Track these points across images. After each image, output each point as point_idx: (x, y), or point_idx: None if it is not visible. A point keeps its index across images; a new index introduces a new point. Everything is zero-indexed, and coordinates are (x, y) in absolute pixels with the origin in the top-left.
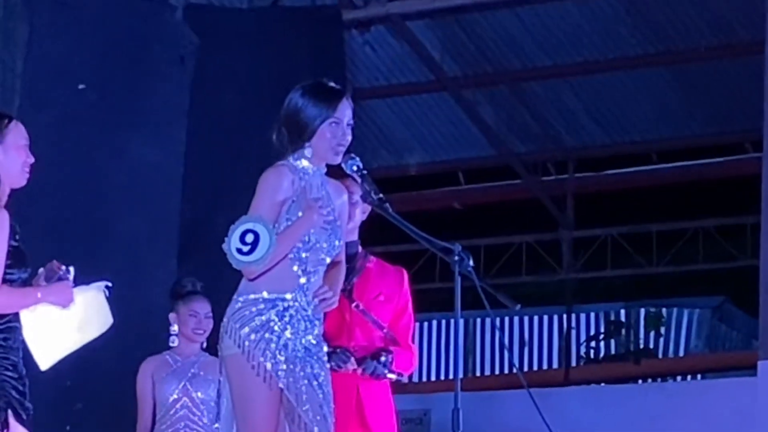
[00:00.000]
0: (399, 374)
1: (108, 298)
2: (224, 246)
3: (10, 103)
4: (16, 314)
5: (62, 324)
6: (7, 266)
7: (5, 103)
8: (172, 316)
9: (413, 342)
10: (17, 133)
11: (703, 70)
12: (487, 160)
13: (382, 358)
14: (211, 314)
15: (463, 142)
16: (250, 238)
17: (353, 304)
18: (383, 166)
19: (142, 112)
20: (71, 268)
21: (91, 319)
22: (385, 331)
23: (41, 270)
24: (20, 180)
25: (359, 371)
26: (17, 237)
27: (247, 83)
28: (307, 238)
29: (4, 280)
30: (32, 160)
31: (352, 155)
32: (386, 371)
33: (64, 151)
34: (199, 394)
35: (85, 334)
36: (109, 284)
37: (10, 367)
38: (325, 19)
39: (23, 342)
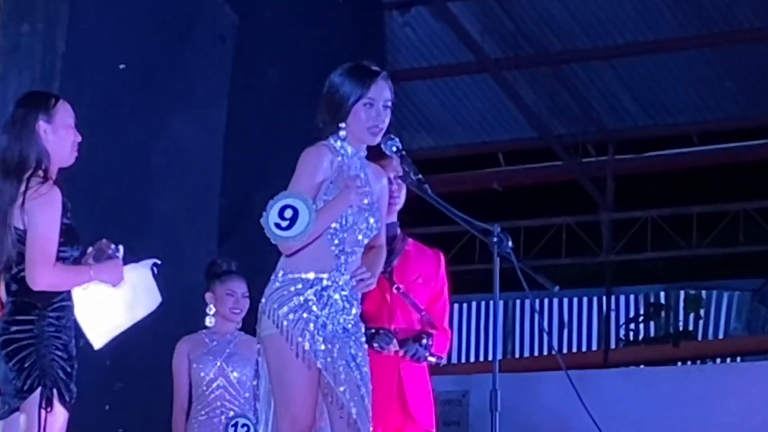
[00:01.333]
0: (438, 357)
1: (155, 277)
2: (262, 220)
3: (51, 83)
4: (69, 293)
5: (113, 302)
6: (59, 244)
7: (46, 84)
8: (208, 295)
9: (449, 325)
10: (65, 113)
11: (746, 52)
12: (527, 141)
13: (424, 341)
14: (247, 293)
15: (503, 123)
16: (288, 213)
17: (394, 287)
18: (423, 147)
19: (183, 92)
20: (120, 247)
21: (141, 297)
22: (423, 313)
23: (90, 249)
24: (69, 159)
25: (401, 353)
26: (69, 215)
27: (286, 63)
28: (344, 220)
29: (57, 258)
30: (80, 138)
31: (392, 136)
32: (427, 354)
33: (104, 131)
34: (235, 373)
35: (136, 312)
36: (158, 262)
37: (61, 347)
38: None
39: (76, 322)
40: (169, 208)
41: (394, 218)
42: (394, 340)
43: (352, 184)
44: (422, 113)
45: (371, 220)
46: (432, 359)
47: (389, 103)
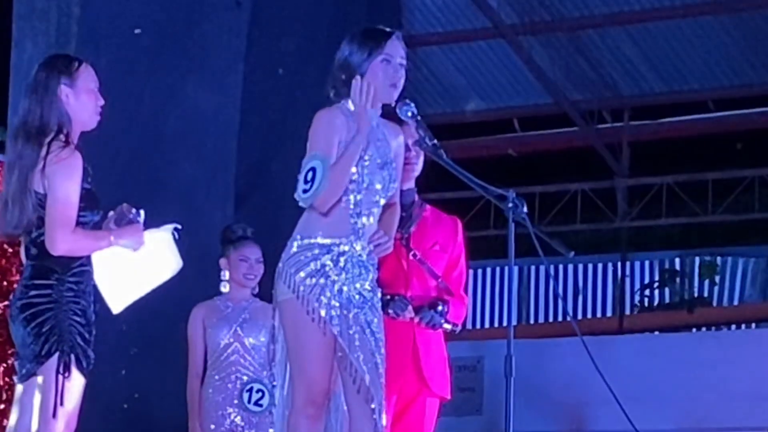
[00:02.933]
0: (454, 325)
1: (176, 241)
2: (296, 194)
3: (67, 47)
4: (89, 257)
5: (133, 267)
6: (79, 209)
7: (61, 48)
8: (222, 261)
9: (465, 292)
10: (87, 76)
11: (762, 18)
12: (542, 107)
13: (439, 308)
14: (261, 259)
15: (519, 89)
16: (310, 176)
17: (411, 253)
18: (438, 113)
19: (199, 58)
20: (141, 211)
21: (161, 262)
22: (439, 280)
23: (111, 213)
24: (91, 122)
25: (416, 320)
26: (89, 179)
27: (302, 28)
28: (361, 179)
29: (77, 223)
30: (102, 102)
31: (407, 101)
32: (442, 321)
33: (120, 95)
34: (250, 339)
35: (156, 276)
36: (179, 227)
37: (79, 312)
38: None
39: (95, 287)
40: (185, 173)
41: (411, 184)
42: (409, 307)
43: (364, 125)
44: (438, 79)
45: (388, 180)
46: (447, 326)
47: (404, 62)
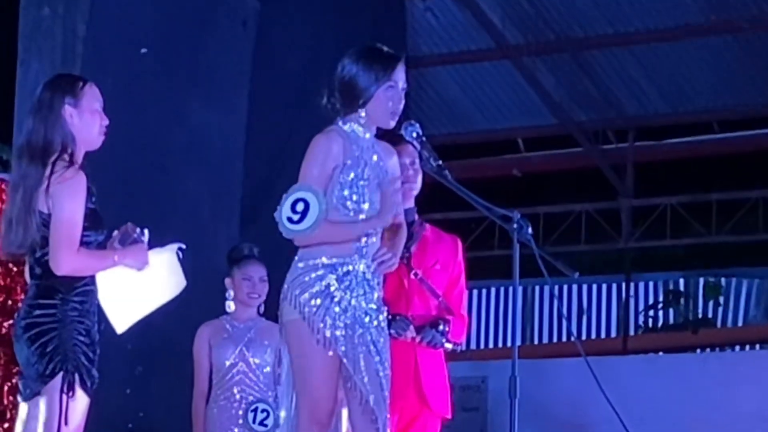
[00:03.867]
0: (455, 344)
1: (180, 261)
2: (276, 214)
3: (72, 66)
4: (93, 277)
5: (137, 286)
6: (84, 228)
7: (66, 68)
8: (227, 281)
9: (466, 311)
10: (92, 96)
11: (767, 39)
12: (547, 128)
13: (440, 327)
14: (266, 278)
15: (523, 109)
16: (300, 206)
17: (412, 272)
18: (443, 133)
19: (205, 77)
20: (146, 231)
21: (166, 281)
22: (440, 299)
23: (115, 232)
24: (96, 142)
25: (417, 339)
26: (94, 199)
27: (308, 48)
28: (361, 200)
29: (81, 243)
30: (107, 122)
31: (412, 122)
32: (443, 340)
33: (126, 115)
34: (255, 359)
35: (160, 296)
36: (183, 246)
37: (84, 332)
38: None
39: (99, 306)
40: (191, 192)
41: (411, 203)
42: (411, 327)
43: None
44: (442, 99)
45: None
46: (449, 345)
47: (405, 87)
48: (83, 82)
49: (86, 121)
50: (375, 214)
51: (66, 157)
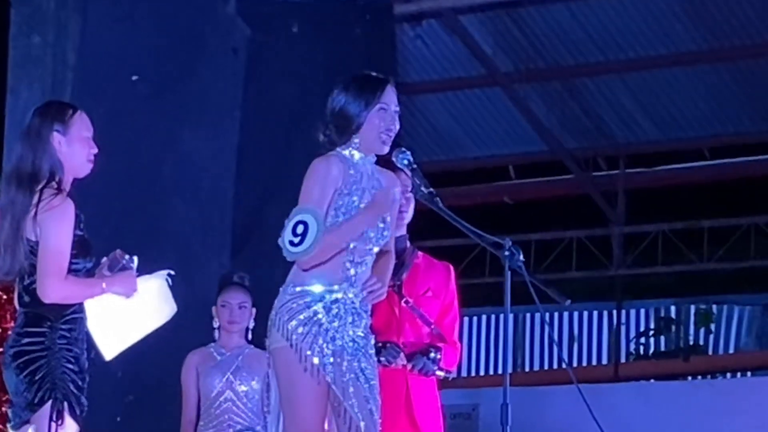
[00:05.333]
0: (446, 371)
1: (170, 287)
2: (279, 240)
3: (62, 94)
4: (81, 305)
5: (126, 314)
6: (72, 255)
7: (57, 95)
8: (214, 308)
9: (458, 339)
10: (81, 124)
11: (757, 66)
12: (538, 155)
13: (432, 355)
14: (246, 304)
15: (514, 137)
16: (300, 229)
17: (403, 300)
18: (434, 160)
19: (196, 105)
20: (135, 258)
21: (155, 308)
22: (432, 327)
23: (104, 259)
24: (84, 170)
25: (409, 367)
26: (82, 226)
27: (298, 76)
28: None
29: (69, 270)
30: (96, 150)
31: (403, 149)
32: (435, 368)
33: (116, 143)
34: (242, 387)
35: (149, 323)
36: (172, 272)
37: (72, 360)
38: (377, 12)
39: (88, 334)
40: (182, 220)
41: (403, 231)
42: (401, 354)
43: (384, 202)
44: (433, 126)
45: (382, 229)
46: (440, 373)
47: (398, 109)
48: (73, 110)
49: (75, 149)
50: (364, 240)
51: (54, 184)
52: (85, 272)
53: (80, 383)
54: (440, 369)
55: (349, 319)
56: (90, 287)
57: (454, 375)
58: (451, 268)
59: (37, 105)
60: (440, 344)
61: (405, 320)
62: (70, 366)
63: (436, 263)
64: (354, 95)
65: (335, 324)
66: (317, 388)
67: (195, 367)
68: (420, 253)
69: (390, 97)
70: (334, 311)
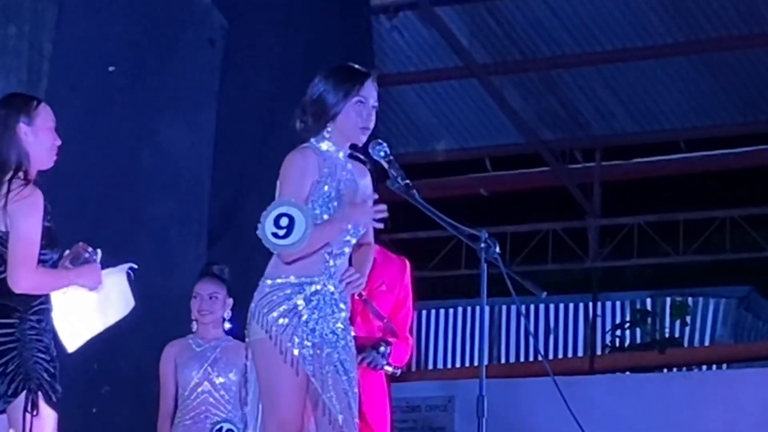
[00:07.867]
0: (395, 367)
1: (131, 281)
2: (259, 232)
3: (38, 85)
4: (48, 296)
5: (89, 306)
6: (40, 247)
7: (33, 86)
8: (191, 300)
9: (411, 334)
10: (45, 115)
11: (733, 59)
12: (514, 147)
13: (381, 349)
14: (218, 295)
15: (490, 129)
16: (284, 221)
17: (356, 293)
18: (410, 152)
19: (172, 96)
20: (98, 251)
21: (115, 301)
22: (385, 321)
23: (67, 251)
24: (48, 162)
25: (358, 360)
26: (49, 217)
27: (275, 67)
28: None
29: (38, 261)
30: (59, 142)
31: (380, 141)
32: (384, 362)
33: (93, 133)
34: (220, 378)
35: (110, 316)
36: (134, 266)
37: (43, 349)
38: (354, 3)
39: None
40: (159, 211)
41: None
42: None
43: (364, 206)
44: (410, 118)
45: None
46: (389, 368)
47: (377, 104)
48: (37, 102)
49: (40, 140)
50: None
51: (21, 174)
52: (52, 263)
53: (52, 370)
54: (389, 364)
55: (329, 311)
56: (59, 278)
57: (402, 370)
58: (407, 262)
59: None
60: (392, 339)
61: (356, 314)
62: (42, 355)
63: (392, 257)
64: (334, 84)
65: (315, 315)
66: (296, 380)
67: (173, 358)
68: (377, 246)
69: (369, 91)
70: (314, 303)
